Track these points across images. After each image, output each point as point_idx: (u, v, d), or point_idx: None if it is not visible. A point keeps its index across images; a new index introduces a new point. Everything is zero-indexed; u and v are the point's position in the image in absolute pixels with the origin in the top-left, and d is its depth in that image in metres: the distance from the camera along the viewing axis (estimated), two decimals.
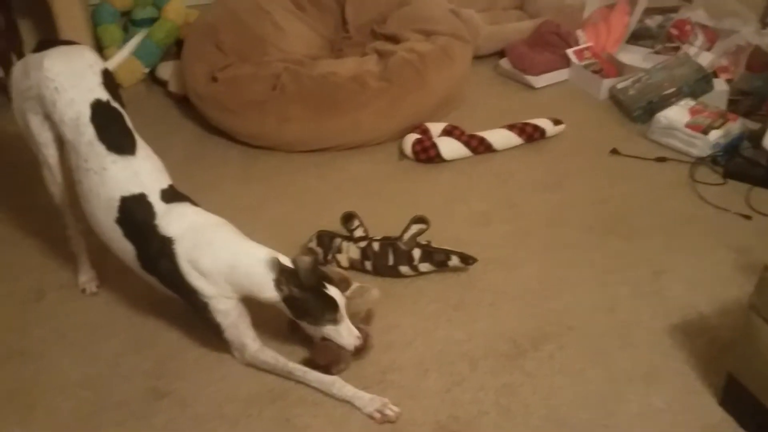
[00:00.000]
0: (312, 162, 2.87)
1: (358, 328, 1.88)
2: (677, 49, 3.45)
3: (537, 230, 2.46)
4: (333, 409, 1.82)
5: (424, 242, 2.22)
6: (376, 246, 2.23)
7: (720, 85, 3.16)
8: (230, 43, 3.10)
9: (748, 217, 2.51)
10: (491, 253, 2.32)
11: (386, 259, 2.21)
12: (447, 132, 2.94)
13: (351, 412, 1.81)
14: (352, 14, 3.41)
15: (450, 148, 2.84)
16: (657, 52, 3.50)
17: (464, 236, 2.40)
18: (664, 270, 2.27)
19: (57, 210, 2.16)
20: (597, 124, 3.12)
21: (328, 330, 1.82)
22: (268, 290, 1.78)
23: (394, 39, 3.21)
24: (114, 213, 1.88)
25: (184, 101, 3.20)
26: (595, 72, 3.35)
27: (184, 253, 1.82)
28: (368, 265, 2.24)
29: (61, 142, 2.02)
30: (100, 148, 1.89)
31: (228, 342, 1.92)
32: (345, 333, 1.83)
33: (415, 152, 2.84)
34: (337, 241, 2.27)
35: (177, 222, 1.86)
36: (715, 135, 2.82)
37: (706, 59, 3.28)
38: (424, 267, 2.22)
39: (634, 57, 3.48)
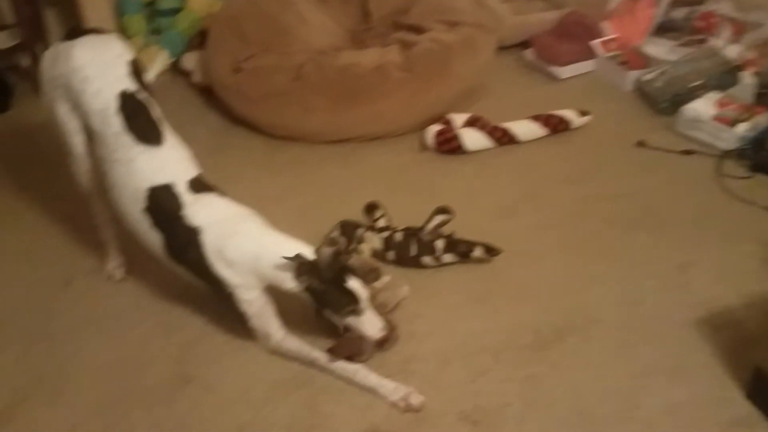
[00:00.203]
0: (334, 152, 2.87)
1: (387, 320, 1.88)
2: (703, 41, 3.40)
3: (561, 222, 2.45)
4: (357, 397, 1.83)
5: (447, 233, 2.22)
6: (398, 236, 2.23)
7: (747, 78, 3.11)
8: (254, 34, 3.11)
9: None
10: (515, 245, 2.30)
11: (409, 250, 2.21)
12: (470, 123, 2.92)
13: (374, 400, 1.81)
14: (375, 5, 3.41)
15: (473, 139, 2.83)
16: (683, 45, 3.45)
17: (487, 228, 2.39)
18: (690, 263, 2.25)
19: (85, 198, 2.19)
20: (622, 116, 3.09)
21: (350, 320, 1.82)
22: (290, 281, 1.79)
23: (417, 29, 3.20)
24: (141, 203, 1.90)
25: (207, 92, 3.22)
26: (620, 64, 3.31)
27: (210, 243, 1.84)
28: (391, 255, 2.24)
29: (88, 131, 2.03)
30: (128, 139, 1.90)
31: (253, 330, 1.93)
32: (367, 324, 1.81)
33: (437, 143, 2.83)
34: (360, 231, 2.27)
35: (204, 212, 1.87)
36: (742, 128, 2.78)
37: (732, 52, 3.24)
38: (447, 258, 2.21)
39: (660, 49, 3.44)
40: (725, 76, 3.08)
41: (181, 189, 1.89)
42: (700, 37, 3.44)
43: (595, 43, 3.40)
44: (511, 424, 1.75)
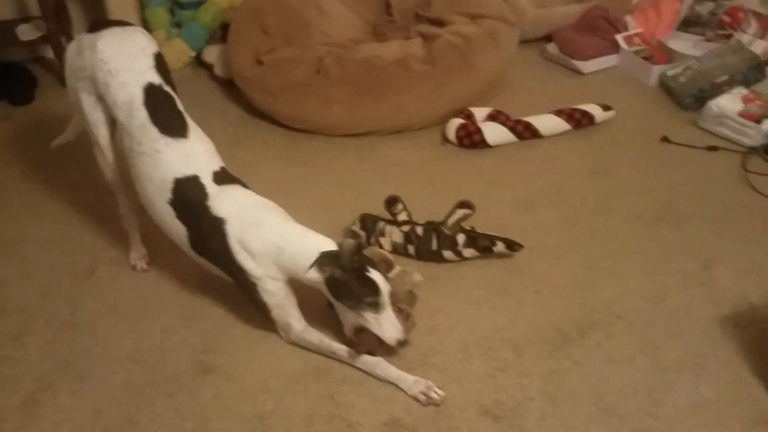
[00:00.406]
0: (353, 146, 2.87)
1: (400, 309, 1.88)
2: (729, 36, 3.36)
3: (584, 218, 2.43)
4: (377, 389, 1.83)
5: (468, 227, 2.21)
6: (419, 230, 2.22)
7: None
8: (275, 27, 3.11)
9: None
10: (537, 240, 2.30)
11: (430, 244, 2.21)
12: (492, 117, 2.91)
13: (395, 393, 1.81)
14: None
15: (495, 133, 2.81)
16: (708, 40, 3.43)
17: (508, 222, 2.38)
18: (715, 260, 2.22)
19: (108, 188, 2.20)
20: (646, 111, 3.07)
21: (368, 317, 1.77)
22: (312, 272, 1.78)
23: (438, 22, 3.19)
24: (167, 194, 1.91)
25: (228, 84, 3.23)
26: (644, 58, 3.28)
27: (234, 234, 1.84)
28: (411, 249, 2.23)
29: (113, 122, 2.05)
30: (153, 131, 1.91)
31: (274, 321, 1.94)
32: (386, 324, 1.77)
33: (458, 137, 2.82)
34: (380, 224, 2.27)
35: (228, 203, 1.88)
36: None
37: (759, 47, 3.20)
38: (468, 252, 2.20)
39: (685, 44, 3.42)
40: (751, 72, 3.04)
41: (207, 180, 1.90)
42: (726, 32, 3.40)
43: (619, 37, 3.37)
44: (532, 419, 1.74)
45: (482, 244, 2.19)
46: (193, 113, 2.03)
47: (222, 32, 3.49)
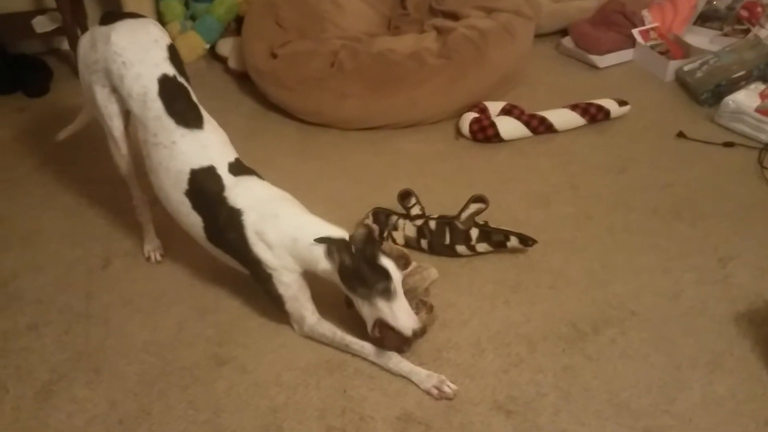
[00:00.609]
0: (367, 139, 2.87)
1: (422, 301, 1.88)
2: (747, 31, 3.33)
3: (599, 213, 2.41)
4: (389, 383, 1.83)
5: (481, 222, 2.20)
6: (432, 224, 2.22)
7: None
8: (290, 20, 3.11)
9: None
10: (551, 236, 2.28)
11: (443, 238, 2.20)
12: (506, 111, 2.90)
13: (407, 387, 1.81)
14: None
15: (509, 127, 2.80)
16: (725, 35, 3.39)
17: (522, 217, 2.37)
18: (731, 257, 2.20)
19: (122, 180, 2.21)
20: (662, 106, 3.04)
21: (382, 306, 1.75)
22: (323, 261, 1.79)
23: (453, 16, 3.18)
24: (183, 185, 1.92)
25: (243, 78, 3.23)
26: (661, 53, 3.26)
27: (251, 225, 1.85)
28: (424, 243, 2.23)
29: (126, 114, 2.06)
30: (169, 123, 1.92)
31: (288, 314, 1.94)
32: (400, 313, 1.74)
33: (472, 132, 2.81)
34: (393, 218, 2.27)
35: (245, 194, 1.88)
36: None
37: None
38: (482, 247, 2.20)
39: (702, 39, 3.38)
40: None
41: (222, 171, 1.91)
42: (744, 26, 3.37)
43: (635, 31, 3.34)
44: (545, 414, 1.74)
45: (496, 238, 2.18)
46: (207, 106, 2.03)
47: (236, 25, 3.50)
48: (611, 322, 1.98)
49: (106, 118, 2.06)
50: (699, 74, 3.05)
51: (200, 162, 1.91)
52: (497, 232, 2.18)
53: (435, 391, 1.78)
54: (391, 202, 2.28)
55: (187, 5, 3.60)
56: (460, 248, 2.20)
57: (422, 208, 2.27)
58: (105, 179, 2.51)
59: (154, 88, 1.92)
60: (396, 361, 1.84)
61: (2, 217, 2.48)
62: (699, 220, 2.37)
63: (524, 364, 1.87)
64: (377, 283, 1.73)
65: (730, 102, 2.83)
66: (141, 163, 2.07)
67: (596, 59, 3.31)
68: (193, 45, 3.45)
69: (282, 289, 1.88)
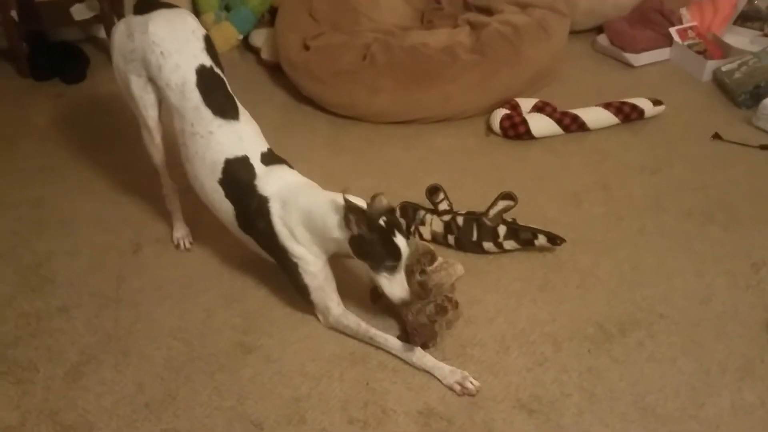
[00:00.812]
0: (399, 134, 2.86)
1: (448, 298, 1.88)
2: None
3: (631, 214, 2.38)
4: (412, 377, 1.83)
5: (510, 219, 2.19)
6: (460, 220, 2.21)
7: None
8: (323, 12, 3.12)
9: None
10: (581, 235, 2.26)
11: (470, 234, 2.19)
12: (538, 108, 2.87)
13: (430, 381, 1.81)
14: None
15: (540, 125, 2.77)
16: (766, 35, 3.32)
17: (552, 216, 2.35)
18: (765, 262, 2.16)
19: (154, 169, 2.24)
20: (699, 107, 2.99)
21: (381, 278, 1.76)
22: (337, 230, 1.78)
23: (487, 11, 3.15)
24: (218, 174, 1.94)
25: (275, 69, 3.25)
26: (698, 53, 3.19)
27: (276, 211, 1.87)
28: (451, 239, 2.22)
29: (160, 104, 2.08)
30: (207, 113, 1.94)
31: (313, 304, 1.96)
32: (396, 286, 1.77)
33: (503, 128, 2.79)
34: (421, 213, 2.26)
35: (273, 182, 1.90)
36: None
37: None
38: (509, 244, 2.18)
39: (742, 39, 3.31)
40: None
41: (255, 161, 1.93)
42: None
43: (673, 30, 3.28)
44: (568, 415, 1.72)
45: (524, 236, 2.16)
46: (239, 97, 2.05)
47: (270, 16, 3.52)
48: (639, 325, 1.96)
49: (141, 108, 2.08)
50: (737, 75, 2.99)
51: (235, 152, 1.93)
52: (525, 230, 2.17)
53: (458, 387, 1.78)
54: (421, 197, 2.27)
55: None
56: (488, 245, 2.19)
57: (450, 204, 2.26)
58: (137, 168, 2.54)
59: (192, 78, 1.94)
60: (419, 355, 1.84)
61: (40, 200, 2.53)
62: (733, 223, 2.33)
63: (549, 363, 1.86)
64: (387, 260, 1.74)
65: None
66: (172, 153, 2.10)
67: (632, 57, 3.26)
68: (227, 36, 3.47)
69: (308, 279, 1.90)
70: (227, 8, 3.60)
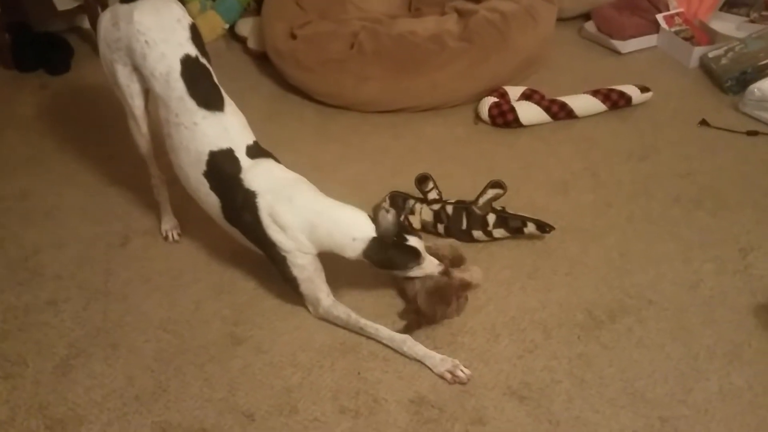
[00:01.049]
0: (387, 122, 2.85)
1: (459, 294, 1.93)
2: None
3: (619, 201, 2.39)
4: (403, 366, 1.83)
5: (499, 207, 2.19)
6: (449, 209, 2.21)
7: None
8: (310, 1, 3.09)
9: None
10: (569, 222, 2.27)
11: (460, 223, 2.19)
12: (526, 96, 2.87)
13: (421, 370, 1.82)
14: None
15: (528, 112, 2.77)
16: (752, 21, 3.32)
17: (541, 203, 2.36)
18: (752, 247, 2.18)
19: (142, 160, 2.22)
20: (686, 93, 2.99)
21: (412, 272, 1.86)
22: (350, 251, 1.81)
23: None
24: (202, 166, 1.92)
25: (262, 58, 3.22)
26: (685, 39, 3.20)
27: (265, 207, 1.85)
28: (441, 228, 2.22)
29: (147, 93, 2.06)
30: (191, 104, 1.91)
31: (303, 296, 1.95)
32: (429, 268, 1.87)
33: (491, 116, 2.78)
34: (410, 202, 2.26)
35: (261, 177, 1.89)
36: None
37: None
38: (498, 233, 2.19)
39: (728, 25, 3.32)
40: None
41: (240, 154, 1.92)
42: None
43: (660, 16, 3.29)
44: (558, 401, 1.73)
45: (513, 224, 2.17)
46: (226, 87, 2.03)
47: (256, 5, 3.48)
48: (628, 311, 1.97)
49: (128, 97, 2.06)
50: (724, 61, 3.00)
51: (220, 144, 1.91)
52: (515, 218, 2.17)
53: (449, 376, 1.79)
54: (410, 186, 2.27)
55: None
56: (477, 234, 2.19)
57: (439, 193, 2.26)
58: (124, 158, 2.53)
59: (177, 68, 1.92)
60: (410, 344, 1.85)
61: (25, 193, 2.51)
62: (721, 209, 2.34)
63: (539, 351, 1.86)
64: (411, 262, 1.84)
65: (756, 90, 2.78)
66: (160, 143, 2.08)
67: (619, 44, 3.26)
68: (213, 25, 3.44)
69: (296, 272, 1.89)
70: None
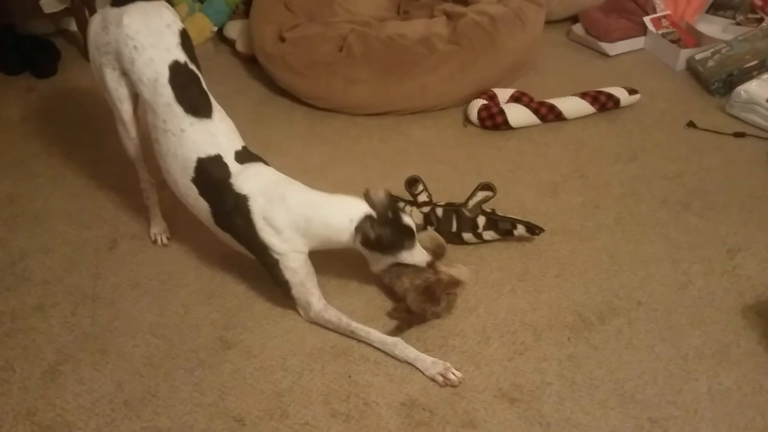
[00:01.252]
0: (376, 125, 2.85)
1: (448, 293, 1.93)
2: (761, 20, 3.29)
3: (608, 203, 2.40)
4: (394, 369, 1.83)
5: (489, 210, 2.20)
6: (439, 211, 2.21)
7: None
8: (299, 3, 3.09)
9: None
10: (559, 224, 2.28)
11: (450, 226, 2.19)
12: (515, 98, 2.88)
13: (412, 373, 1.82)
14: None
15: (518, 115, 2.78)
16: (739, 23, 3.35)
17: (530, 206, 2.37)
18: (740, 248, 2.19)
19: (130, 163, 2.20)
20: (673, 95, 3.01)
21: (405, 256, 1.86)
22: (347, 234, 1.82)
23: (463, 1, 3.16)
24: (190, 173, 1.91)
25: (251, 61, 3.22)
26: (672, 41, 3.22)
27: (259, 210, 1.85)
28: (431, 230, 2.22)
29: (136, 97, 2.04)
30: (178, 110, 1.90)
31: (294, 299, 1.95)
32: (418, 255, 1.89)
33: (481, 119, 2.79)
34: (400, 205, 2.26)
35: (251, 180, 1.88)
36: None
37: None
38: (488, 235, 2.19)
39: (714, 27, 3.35)
40: None
41: (229, 160, 1.91)
42: (757, 15, 3.33)
43: (647, 19, 3.31)
44: (549, 403, 1.74)
45: (503, 226, 2.17)
46: (214, 90, 2.02)
47: (245, 7, 3.47)
48: (617, 312, 1.98)
49: (116, 101, 2.05)
50: (711, 63, 3.03)
51: (207, 151, 1.90)
52: (504, 220, 2.18)
53: (440, 378, 1.79)
54: (399, 189, 2.27)
55: None
56: (467, 236, 2.19)
57: (429, 195, 2.26)
58: (112, 161, 2.51)
59: (165, 74, 1.91)
60: (401, 347, 1.85)
61: (11, 197, 2.49)
62: (708, 210, 2.36)
63: (529, 353, 1.87)
64: (405, 241, 1.84)
65: (742, 92, 2.80)
66: (149, 147, 2.07)
67: (607, 47, 3.28)
68: (201, 27, 3.43)
69: (288, 275, 1.89)
70: (201, 0, 3.56)
